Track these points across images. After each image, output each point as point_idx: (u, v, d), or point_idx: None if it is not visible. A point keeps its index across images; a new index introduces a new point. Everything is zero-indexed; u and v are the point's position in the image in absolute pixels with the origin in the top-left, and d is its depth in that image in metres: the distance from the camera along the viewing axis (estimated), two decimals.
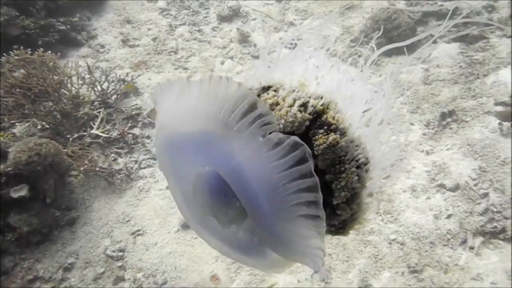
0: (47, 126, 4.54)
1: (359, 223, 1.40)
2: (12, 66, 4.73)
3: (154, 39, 6.85)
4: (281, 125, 1.23)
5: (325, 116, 1.25)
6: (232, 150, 1.09)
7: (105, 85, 5.45)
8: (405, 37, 6.40)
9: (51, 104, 4.84)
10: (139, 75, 6.08)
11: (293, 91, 1.29)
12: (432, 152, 4.71)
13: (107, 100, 5.43)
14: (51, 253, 4.08)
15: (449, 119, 4.96)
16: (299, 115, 1.23)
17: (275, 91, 1.32)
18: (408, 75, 5.93)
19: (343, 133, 1.25)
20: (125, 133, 5.11)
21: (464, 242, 3.77)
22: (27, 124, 4.48)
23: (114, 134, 5.12)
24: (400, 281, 3.61)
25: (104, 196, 4.62)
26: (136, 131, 5.29)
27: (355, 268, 3.77)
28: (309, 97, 1.27)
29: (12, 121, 4.47)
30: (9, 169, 3.78)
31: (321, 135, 1.23)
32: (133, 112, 5.47)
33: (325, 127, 1.24)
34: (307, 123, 1.24)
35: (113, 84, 5.55)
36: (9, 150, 3.84)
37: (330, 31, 7.41)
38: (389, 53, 6.46)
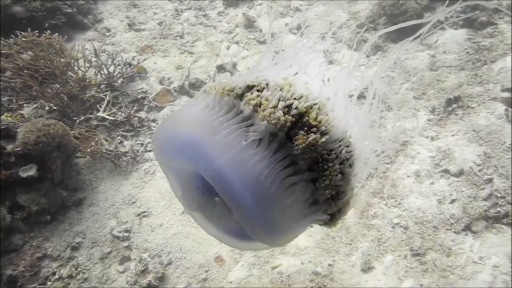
0: (55, 108, 4.57)
1: (346, 214, 1.45)
2: (19, 48, 4.75)
3: (160, 24, 6.84)
4: (264, 126, 1.26)
5: (306, 118, 1.27)
6: (216, 154, 1.23)
7: (111, 69, 5.47)
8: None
9: (58, 86, 4.86)
10: (145, 59, 6.09)
11: (279, 90, 1.31)
12: (437, 138, 4.71)
13: (113, 84, 5.46)
14: (59, 233, 4.15)
15: (454, 105, 4.95)
16: (281, 117, 1.25)
17: (259, 90, 1.33)
18: (413, 61, 5.91)
19: (324, 134, 1.27)
20: (131, 116, 5.15)
21: (467, 227, 3.80)
22: (35, 105, 4.52)
23: (120, 117, 5.15)
24: (403, 263, 3.65)
25: (110, 178, 4.68)
26: (142, 114, 5.32)
27: (358, 251, 3.82)
28: (294, 98, 1.29)
29: (20, 103, 4.50)
30: (18, 149, 3.82)
31: (301, 135, 1.26)
32: (139, 96, 5.49)
33: (306, 128, 1.27)
34: (289, 124, 1.27)
35: (119, 67, 5.56)
36: (18, 130, 3.88)
37: (336, 16, 7.37)
38: (395, 39, 6.42)
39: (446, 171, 4.29)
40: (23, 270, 3.77)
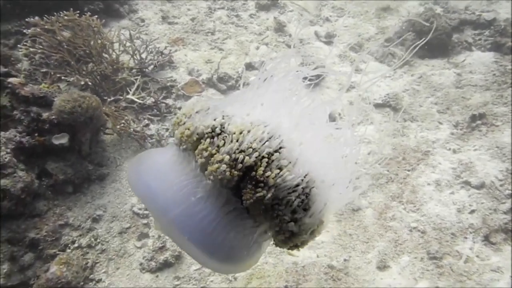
0: (90, 83, 4.70)
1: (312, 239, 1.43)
2: (61, 25, 4.92)
3: (192, 19, 7.01)
4: (211, 182, 1.31)
5: (253, 173, 1.26)
6: (166, 208, 1.34)
7: (144, 55, 5.62)
8: (440, 41, 6.45)
9: (92, 65, 5.01)
10: (176, 50, 6.24)
11: (229, 140, 1.31)
12: (459, 151, 4.75)
13: (144, 69, 5.60)
14: (81, 204, 4.24)
15: (478, 122, 4.99)
16: (227, 173, 1.27)
17: (212, 137, 1.33)
18: (439, 77, 5.99)
19: (272, 188, 1.26)
20: (159, 102, 5.27)
21: (486, 237, 3.82)
22: (71, 79, 4.66)
23: (148, 101, 5.27)
24: (419, 265, 3.66)
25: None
26: (169, 101, 5.44)
27: (375, 250, 3.84)
28: (241, 151, 1.28)
29: (58, 75, 4.65)
30: (53, 117, 3.94)
31: (248, 189, 1.26)
32: (168, 84, 5.62)
33: (253, 183, 1.26)
34: (236, 178, 1.28)
35: (151, 55, 5.71)
36: (55, 99, 4.00)
37: (364, 29, 7.48)
38: (422, 55, 6.51)
39: (467, 182, 4.31)
40: (45, 235, 3.85)
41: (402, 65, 6.46)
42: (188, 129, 1.39)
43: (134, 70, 5.51)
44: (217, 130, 1.33)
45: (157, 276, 3.83)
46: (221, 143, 1.30)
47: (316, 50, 6.92)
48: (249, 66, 6.20)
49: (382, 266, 3.69)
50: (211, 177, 1.29)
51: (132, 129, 4.71)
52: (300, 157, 1.32)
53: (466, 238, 3.83)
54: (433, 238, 3.86)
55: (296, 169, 1.29)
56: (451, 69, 6.08)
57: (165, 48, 5.98)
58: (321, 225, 1.37)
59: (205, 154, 1.31)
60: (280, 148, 1.30)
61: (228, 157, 1.26)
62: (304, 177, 1.29)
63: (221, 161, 1.27)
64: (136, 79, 5.35)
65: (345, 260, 3.77)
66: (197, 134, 1.36)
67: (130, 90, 5.27)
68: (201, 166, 1.33)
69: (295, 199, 1.27)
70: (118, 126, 4.56)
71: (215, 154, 1.29)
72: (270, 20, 7.27)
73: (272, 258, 3.85)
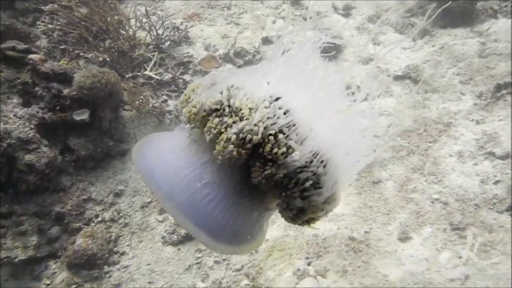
0: (108, 59, 4.71)
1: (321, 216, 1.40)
2: (78, 2, 4.91)
3: None
4: (219, 162, 1.28)
5: (260, 150, 1.23)
6: (173, 193, 1.34)
7: (160, 31, 5.58)
8: (463, 9, 6.21)
9: (110, 41, 5.01)
10: (192, 26, 6.18)
11: (239, 119, 1.26)
12: (482, 122, 4.63)
13: (161, 45, 5.57)
14: (103, 179, 4.31)
15: (504, 91, 4.84)
16: (234, 153, 1.24)
17: (219, 116, 1.30)
18: (462, 47, 5.80)
19: (279, 166, 1.23)
20: (176, 78, 5.25)
21: (511, 207, 3.75)
22: (89, 55, 4.68)
23: (166, 77, 5.27)
24: (441, 236, 3.63)
25: None
26: (187, 77, 5.42)
27: (396, 221, 3.82)
28: (250, 129, 1.23)
29: (76, 52, 4.67)
30: (74, 93, 3.97)
31: (257, 167, 1.24)
32: (185, 60, 5.59)
33: (262, 160, 1.24)
34: (244, 157, 1.25)
35: (168, 30, 5.67)
36: (74, 75, 4.03)
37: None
38: (444, 25, 6.30)
39: (491, 153, 4.22)
40: (70, 209, 3.94)
41: (423, 35, 6.27)
42: (195, 106, 1.36)
43: (150, 46, 5.49)
44: (225, 106, 1.30)
45: (179, 249, 3.89)
46: (229, 121, 1.27)
47: (333, 23, 6.76)
48: (266, 41, 6.11)
49: (404, 238, 3.67)
50: (219, 156, 1.27)
51: (151, 105, 4.73)
52: (311, 133, 1.28)
53: (490, 209, 3.77)
54: (456, 209, 3.81)
55: (306, 146, 1.25)
56: (474, 38, 5.87)
57: (181, 23, 5.93)
58: (332, 202, 1.35)
59: (214, 131, 1.29)
60: (290, 123, 1.26)
61: (235, 136, 1.23)
62: (314, 154, 1.26)
63: (228, 140, 1.25)
64: (153, 55, 5.34)
65: (366, 232, 3.76)
66: (204, 110, 1.33)
67: (147, 66, 5.27)
68: (210, 143, 1.31)
69: (304, 177, 1.24)
70: (137, 102, 4.57)
71: (223, 131, 1.27)
72: None
73: (292, 230, 3.87)
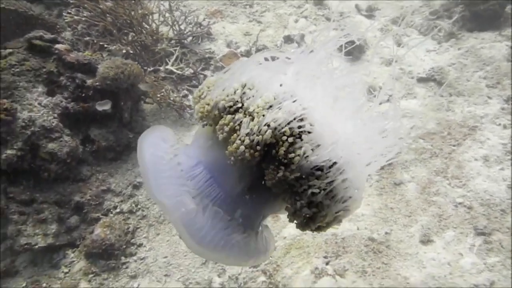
0: (131, 52, 4.74)
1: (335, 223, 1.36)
2: None
3: None
4: (231, 162, 1.25)
5: (274, 152, 1.20)
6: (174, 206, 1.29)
7: (183, 26, 5.60)
8: (492, 12, 6.07)
9: (133, 35, 5.04)
10: (214, 22, 6.18)
11: (252, 119, 1.23)
12: (510, 127, 4.50)
13: (183, 41, 5.59)
14: (122, 171, 4.32)
15: None
16: (247, 154, 1.21)
17: (233, 112, 1.27)
18: (490, 51, 5.67)
19: (293, 170, 1.19)
20: (198, 73, 5.25)
21: None
22: (112, 47, 4.71)
23: (187, 72, 5.27)
24: (465, 241, 3.53)
25: (173, 128, 4.80)
26: (208, 73, 5.41)
27: (418, 224, 3.73)
28: (263, 131, 1.20)
29: (100, 43, 4.71)
30: (97, 83, 4.00)
31: (270, 170, 1.21)
32: (206, 55, 5.59)
33: (276, 163, 1.20)
34: (257, 159, 1.22)
35: (190, 26, 5.69)
36: (98, 66, 4.05)
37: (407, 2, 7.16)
38: (471, 28, 6.18)
39: None
40: (89, 199, 3.96)
41: (449, 38, 6.15)
42: (208, 104, 1.34)
43: (173, 41, 5.51)
44: (238, 105, 1.28)
45: None
46: (243, 119, 1.25)
47: (356, 24, 6.69)
48: (288, 39, 6.07)
49: (426, 240, 3.58)
50: (232, 157, 1.25)
51: (172, 99, 4.73)
52: (328, 137, 1.22)
53: None
54: (481, 214, 3.70)
55: (321, 151, 1.21)
56: (502, 42, 5.73)
57: (204, 19, 5.94)
58: (346, 211, 1.31)
59: (226, 129, 1.26)
60: (305, 125, 1.21)
61: (247, 137, 1.21)
62: (330, 160, 1.21)
63: (240, 141, 1.22)
64: (175, 50, 5.35)
65: (386, 233, 3.68)
66: (218, 108, 1.31)
67: (169, 60, 5.28)
68: (223, 142, 1.29)
69: (317, 183, 1.20)
70: (158, 95, 4.58)
71: (236, 128, 1.25)
72: None
73: None
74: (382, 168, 4.32)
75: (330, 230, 3.69)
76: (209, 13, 6.42)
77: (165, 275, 3.56)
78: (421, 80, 5.48)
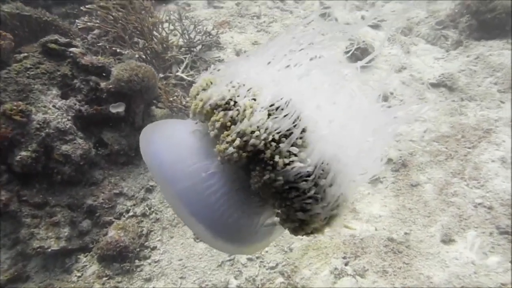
0: (143, 57, 4.76)
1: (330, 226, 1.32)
2: (115, 3, 5.01)
3: (237, 4, 7.01)
4: (220, 161, 1.24)
5: (262, 155, 1.18)
6: (175, 180, 1.30)
7: (192, 35, 5.64)
8: (499, 21, 6.13)
9: (144, 42, 5.07)
10: (222, 32, 6.24)
11: (242, 119, 1.21)
12: None
13: (193, 49, 5.62)
14: (134, 175, 4.27)
15: None
16: (235, 155, 1.20)
17: (226, 109, 1.26)
18: (498, 58, 5.70)
19: (279, 173, 1.17)
20: None
21: None
22: (125, 51, 4.73)
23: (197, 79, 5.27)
24: (488, 240, 3.45)
25: None
26: None
27: (437, 224, 3.66)
28: (252, 131, 1.18)
29: (113, 48, 4.74)
30: (110, 86, 3.99)
31: (257, 172, 1.19)
32: (216, 63, 5.61)
33: (262, 165, 1.18)
34: (244, 160, 1.21)
35: (199, 35, 5.73)
36: (112, 69, 4.06)
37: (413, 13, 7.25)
38: (478, 37, 6.23)
39: None
40: (102, 202, 3.90)
41: (456, 46, 6.19)
42: (201, 100, 1.33)
43: (182, 49, 5.54)
44: (231, 103, 1.26)
45: None
46: (234, 115, 1.23)
47: (362, 34, 6.75)
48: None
49: (447, 240, 3.50)
50: (219, 157, 1.24)
51: (183, 104, 4.72)
52: (319, 140, 1.19)
53: None
54: (502, 214, 3.64)
55: (312, 154, 1.18)
56: (511, 49, 5.77)
57: (212, 29, 5.99)
58: (335, 216, 1.27)
59: (217, 125, 1.25)
60: (296, 127, 1.19)
61: (238, 139, 1.19)
62: (319, 163, 1.18)
63: (230, 142, 1.20)
64: (185, 58, 5.38)
65: (405, 233, 3.61)
66: (210, 105, 1.30)
67: (179, 68, 5.30)
68: (214, 138, 1.27)
69: (306, 187, 1.17)
70: (171, 98, 4.57)
71: (228, 126, 1.23)
72: (316, 5, 7.17)
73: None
74: (397, 170, 4.27)
75: (348, 231, 3.63)
76: (217, 24, 6.49)
77: (181, 278, 3.47)
78: (432, 85, 5.49)
